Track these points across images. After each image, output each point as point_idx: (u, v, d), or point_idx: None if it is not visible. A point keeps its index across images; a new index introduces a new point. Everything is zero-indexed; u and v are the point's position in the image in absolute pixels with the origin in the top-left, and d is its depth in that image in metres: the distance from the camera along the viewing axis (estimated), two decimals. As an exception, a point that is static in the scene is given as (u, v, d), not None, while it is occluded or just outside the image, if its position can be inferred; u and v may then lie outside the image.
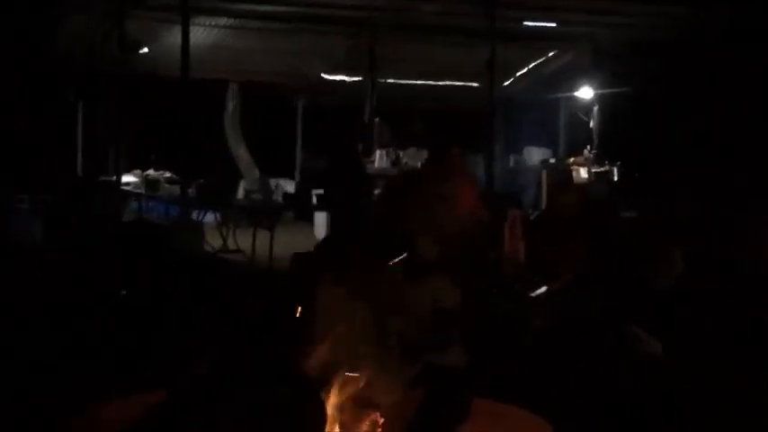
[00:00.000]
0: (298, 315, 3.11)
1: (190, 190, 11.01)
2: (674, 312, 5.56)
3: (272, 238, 10.78)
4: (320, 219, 13.40)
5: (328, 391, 2.78)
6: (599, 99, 15.07)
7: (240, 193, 15.44)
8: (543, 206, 11.86)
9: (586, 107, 15.29)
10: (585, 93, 15.07)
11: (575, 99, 15.47)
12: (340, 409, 2.81)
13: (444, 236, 4.12)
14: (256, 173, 16.29)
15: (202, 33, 12.72)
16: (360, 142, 12.91)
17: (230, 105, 16.51)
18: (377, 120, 14.28)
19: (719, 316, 5.45)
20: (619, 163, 13.79)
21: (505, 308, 4.22)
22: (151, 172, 12.68)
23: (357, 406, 2.81)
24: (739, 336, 5.58)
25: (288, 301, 3.41)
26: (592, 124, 15.13)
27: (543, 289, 5.27)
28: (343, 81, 15.31)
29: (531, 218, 8.26)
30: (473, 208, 6.13)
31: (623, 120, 14.21)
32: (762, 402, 4.68)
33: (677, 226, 7.04)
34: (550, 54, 14.99)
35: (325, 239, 4.59)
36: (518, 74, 15.51)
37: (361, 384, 2.81)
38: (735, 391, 4.85)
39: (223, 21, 12.80)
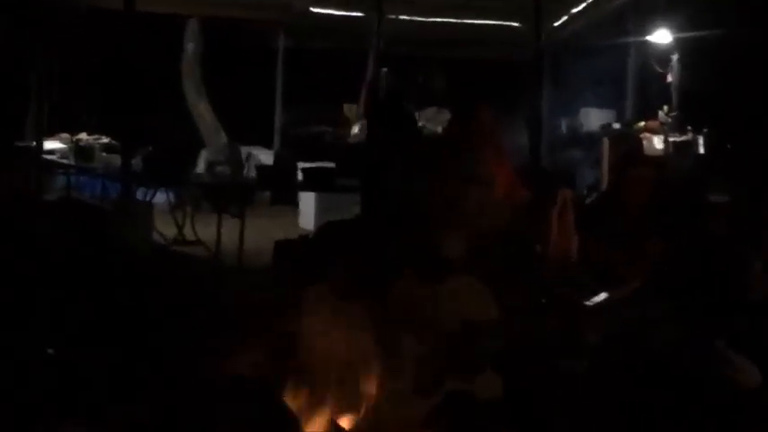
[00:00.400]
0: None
1: (134, 161, 11.01)
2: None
3: (242, 226, 10.78)
4: (307, 202, 13.42)
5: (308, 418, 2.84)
6: (680, 45, 15.06)
7: (201, 167, 15.45)
8: (604, 187, 11.87)
9: (663, 56, 15.28)
10: (662, 37, 15.06)
11: (648, 45, 15.46)
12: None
13: (473, 227, 4.14)
14: (222, 138, 16.30)
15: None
16: (364, 99, 12.94)
17: (189, 48, 16.52)
18: (384, 70, 14.28)
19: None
20: (706, 130, 13.79)
21: (551, 321, 4.23)
22: (83, 136, 12.68)
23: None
24: None
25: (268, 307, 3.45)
26: (670, 78, 15.13)
27: (603, 296, 5.27)
28: (340, 17, 15.32)
29: (588, 202, 8.27)
30: (509, 189, 6.17)
31: (712, 73, 14.20)
32: None
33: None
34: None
35: (323, 228, 4.57)
36: (573, 11, 15.51)
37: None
38: None
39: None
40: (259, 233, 10.90)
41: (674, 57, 15.13)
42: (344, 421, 2.88)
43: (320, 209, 12.83)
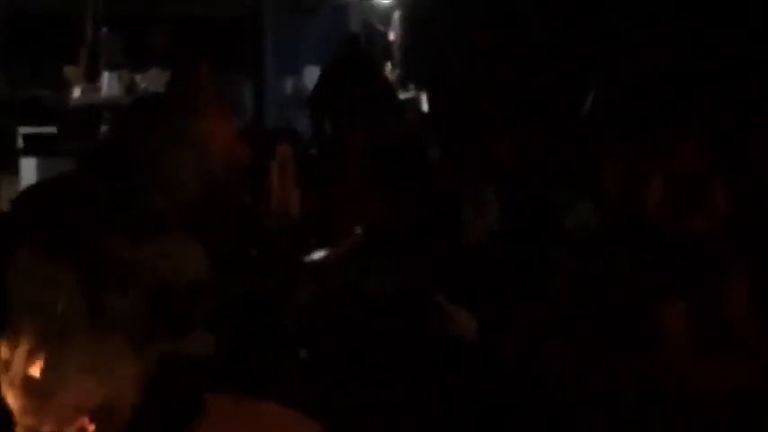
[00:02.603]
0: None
1: None
2: (487, 275, 5.67)
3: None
4: (29, 167, 13.05)
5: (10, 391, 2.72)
6: (401, 3, 15.25)
7: None
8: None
9: (384, 13, 15.45)
10: (383, -5, 15.24)
11: (369, 3, 15.60)
12: (13, 390, 2.75)
13: (185, 184, 4.07)
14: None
15: None
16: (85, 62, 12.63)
17: None
18: (104, 30, 13.99)
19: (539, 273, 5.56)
20: (428, 87, 14.00)
21: (266, 277, 4.20)
22: None
23: (39, 394, 2.75)
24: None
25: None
26: (392, 36, 15.31)
27: (323, 252, 5.28)
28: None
29: (310, 157, 8.29)
30: (229, 147, 6.10)
31: (434, 31, 14.40)
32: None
33: (496, 167, 7.20)
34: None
35: (24, 193, 4.43)
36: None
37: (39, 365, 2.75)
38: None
39: None
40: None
41: (396, 14, 15.32)
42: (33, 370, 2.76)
43: (43, 174, 12.47)
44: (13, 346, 2.79)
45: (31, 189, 4.24)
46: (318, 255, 5.29)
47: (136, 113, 4.35)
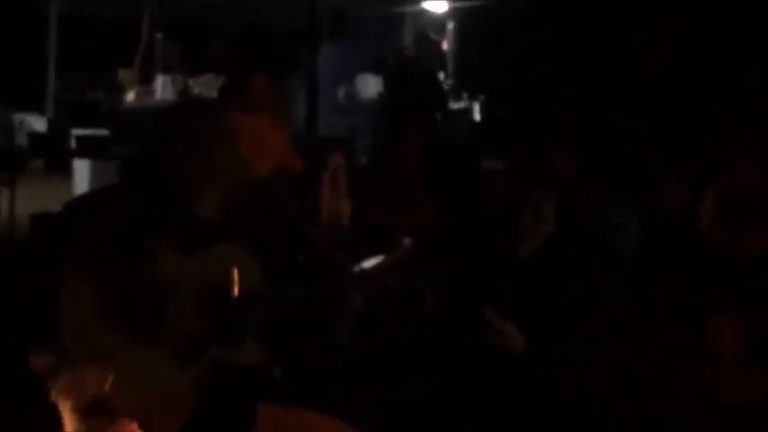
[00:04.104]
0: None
1: None
2: (539, 290, 5.64)
3: (12, 195, 10.52)
4: (81, 169, 13.13)
5: (63, 394, 2.73)
6: (455, 13, 15.24)
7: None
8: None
9: (438, 24, 15.44)
10: (437, 6, 15.22)
11: (424, 13, 15.59)
12: (79, 414, 2.76)
13: (234, 187, 4.05)
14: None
15: None
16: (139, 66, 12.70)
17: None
18: (159, 35, 14.06)
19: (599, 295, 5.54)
20: (482, 98, 13.98)
21: (319, 287, 4.18)
22: None
23: (103, 411, 2.77)
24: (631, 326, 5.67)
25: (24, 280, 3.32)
26: (445, 46, 15.30)
27: (374, 260, 5.26)
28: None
29: (362, 166, 8.29)
30: (281, 154, 6.10)
31: (487, 41, 14.40)
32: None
33: (554, 180, 7.17)
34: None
35: (78, 200, 4.43)
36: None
37: (108, 383, 2.76)
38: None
39: None
40: (32, 203, 10.60)
41: (450, 25, 15.32)
42: (102, 389, 2.77)
43: (95, 176, 12.55)
44: (68, 367, 2.80)
45: (85, 197, 4.25)
46: (368, 264, 5.28)
47: (182, 111, 4.32)
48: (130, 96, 14.95)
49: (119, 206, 3.40)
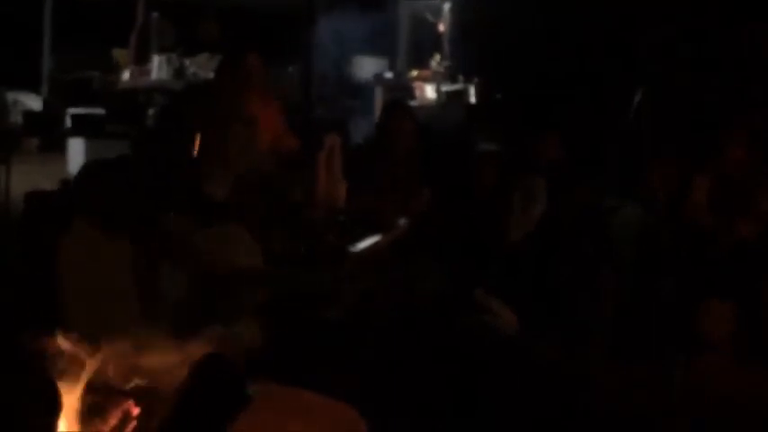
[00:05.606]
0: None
1: None
2: (531, 272, 5.69)
3: (7, 173, 10.53)
4: (76, 148, 13.15)
5: (62, 370, 2.78)
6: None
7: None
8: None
9: (434, 5, 15.43)
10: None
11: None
12: (84, 396, 2.81)
13: (239, 168, 4.13)
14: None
15: None
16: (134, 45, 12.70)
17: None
18: (155, 15, 14.06)
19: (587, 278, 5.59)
20: (477, 80, 13.97)
21: (313, 270, 4.25)
22: None
23: (102, 387, 2.81)
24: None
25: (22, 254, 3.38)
26: (442, 27, 15.29)
27: (368, 242, 5.32)
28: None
29: (357, 149, 8.32)
30: (277, 136, 6.16)
31: (484, 22, 14.36)
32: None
33: (548, 164, 7.20)
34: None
35: (86, 168, 4.46)
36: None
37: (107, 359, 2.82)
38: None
39: None
40: (26, 181, 10.63)
41: (446, 6, 15.30)
42: (100, 366, 2.83)
43: (90, 156, 12.57)
44: (74, 343, 2.85)
45: (92, 165, 4.25)
46: (363, 245, 5.33)
47: (190, 96, 4.40)
48: (126, 76, 14.96)
49: (132, 177, 3.47)
